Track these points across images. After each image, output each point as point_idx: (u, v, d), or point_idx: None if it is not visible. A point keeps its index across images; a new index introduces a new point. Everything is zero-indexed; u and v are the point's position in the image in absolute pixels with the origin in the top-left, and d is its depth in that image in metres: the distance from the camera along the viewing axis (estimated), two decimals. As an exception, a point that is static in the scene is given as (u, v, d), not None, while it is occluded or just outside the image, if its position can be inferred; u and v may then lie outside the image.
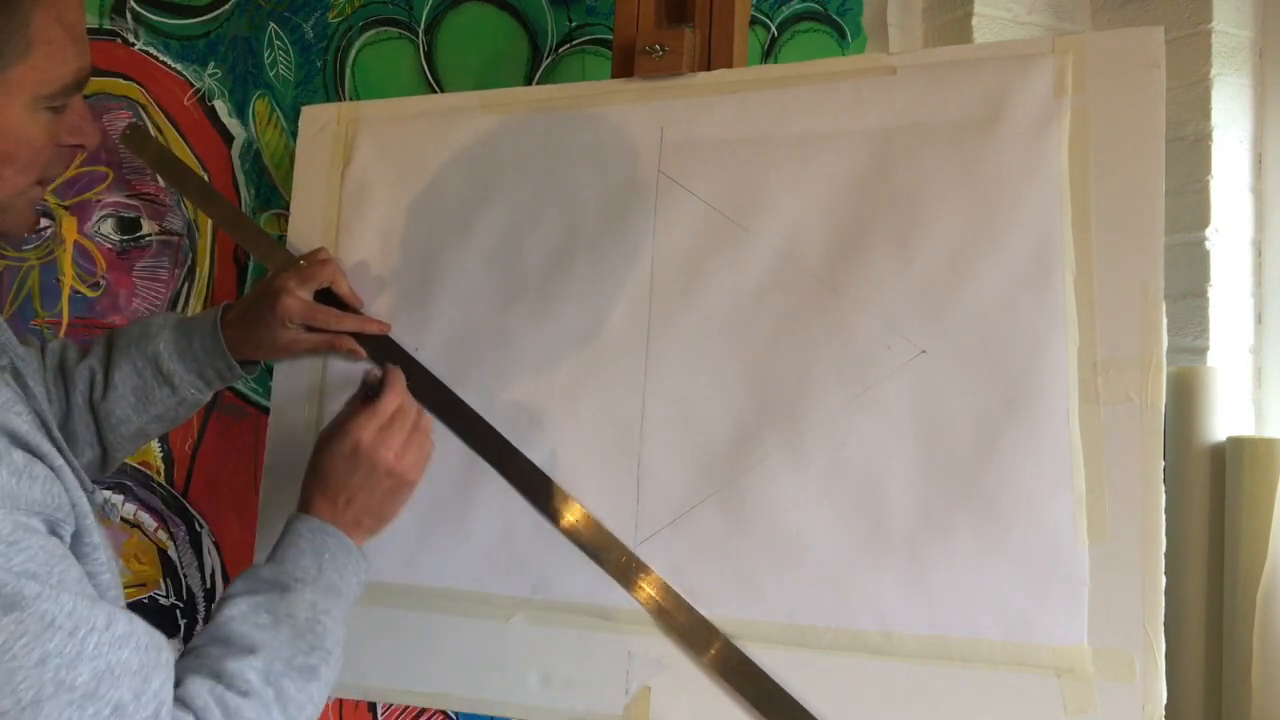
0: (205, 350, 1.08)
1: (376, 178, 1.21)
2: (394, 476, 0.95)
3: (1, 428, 0.73)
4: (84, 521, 0.78)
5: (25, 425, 0.76)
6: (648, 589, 1.03)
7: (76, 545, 0.77)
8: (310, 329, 1.11)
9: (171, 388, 1.07)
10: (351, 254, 1.21)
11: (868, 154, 1.03)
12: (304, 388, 1.19)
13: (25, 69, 0.74)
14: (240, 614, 0.82)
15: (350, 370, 1.18)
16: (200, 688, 0.76)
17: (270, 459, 1.20)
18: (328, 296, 1.13)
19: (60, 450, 0.80)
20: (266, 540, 1.18)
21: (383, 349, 1.15)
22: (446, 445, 1.13)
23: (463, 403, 1.12)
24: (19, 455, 0.73)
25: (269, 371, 1.25)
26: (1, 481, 0.70)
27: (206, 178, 1.42)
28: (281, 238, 1.27)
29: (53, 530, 0.74)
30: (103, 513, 0.85)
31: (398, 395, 0.97)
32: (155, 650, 0.73)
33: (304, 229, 1.23)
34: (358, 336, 1.14)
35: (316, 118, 1.26)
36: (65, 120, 0.80)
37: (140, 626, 0.73)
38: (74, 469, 0.80)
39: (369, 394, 0.98)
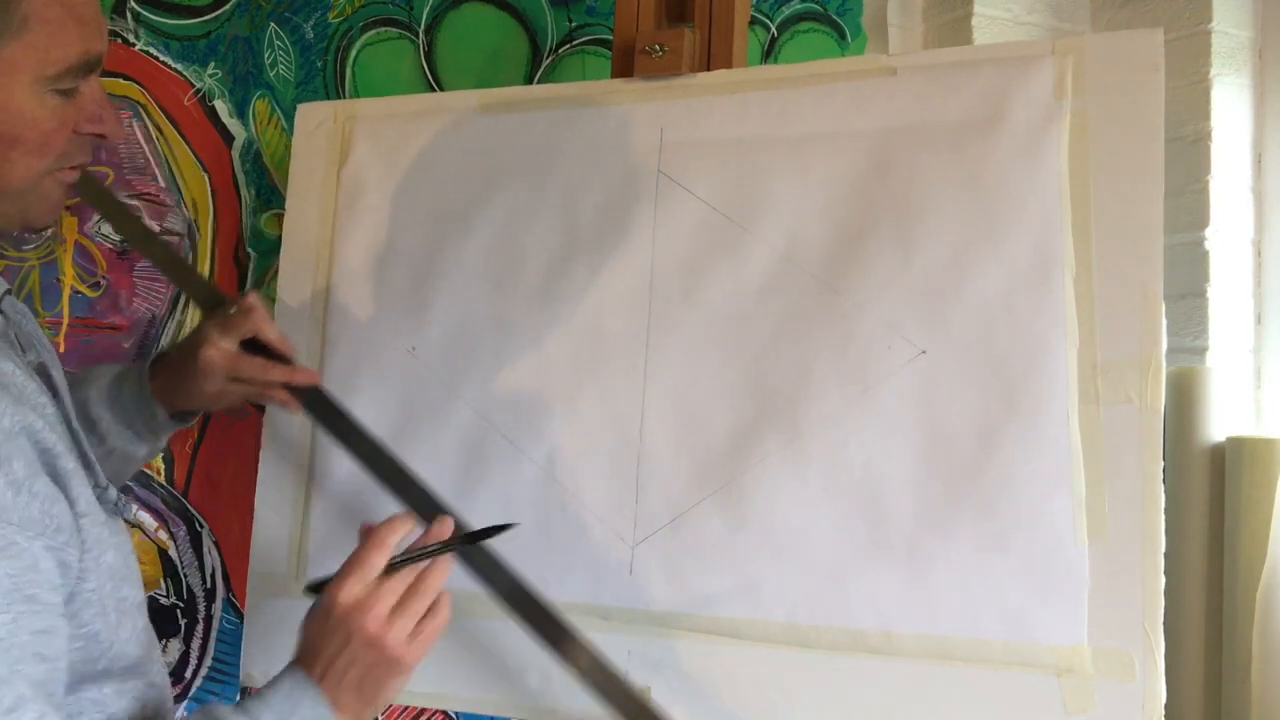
0: (132, 400, 1.02)
1: (373, 176, 1.21)
2: (378, 650, 0.79)
3: (22, 429, 0.72)
4: (84, 561, 0.76)
5: (44, 427, 0.74)
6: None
7: (76, 585, 0.75)
8: (237, 379, 1.02)
9: (98, 436, 1.01)
10: (347, 253, 1.21)
11: (867, 154, 1.03)
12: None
13: (21, 47, 0.74)
14: None
15: (350, 369, 1.18)
16: None
17: (266, 456, 1.20)
18: (259, 345, 1.04)
19: (79, 446, 0.80)
20: (264, 539, 1.19)
21: (314, 401, 1.05)
22: (443, 443, 1.13)
23: (383, 452, 1.02)
24: (20, 467, 0.71)
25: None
26: None
27: (206, 179, 1.43)
28: (279, 238, 1.27)
29: (58, 556, 0.72)
30: (115, 509, 0.84)
31: (381, 550, 0.81)
32: None
33: (300, 228, 1.23)
34: (289, 387, 1.05)
35: (313, 115, 1.26)
36: (81, 107, 0.80)
37: None
38: (89, 467, 0.79)
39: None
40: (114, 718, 0.78)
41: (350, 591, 0.79)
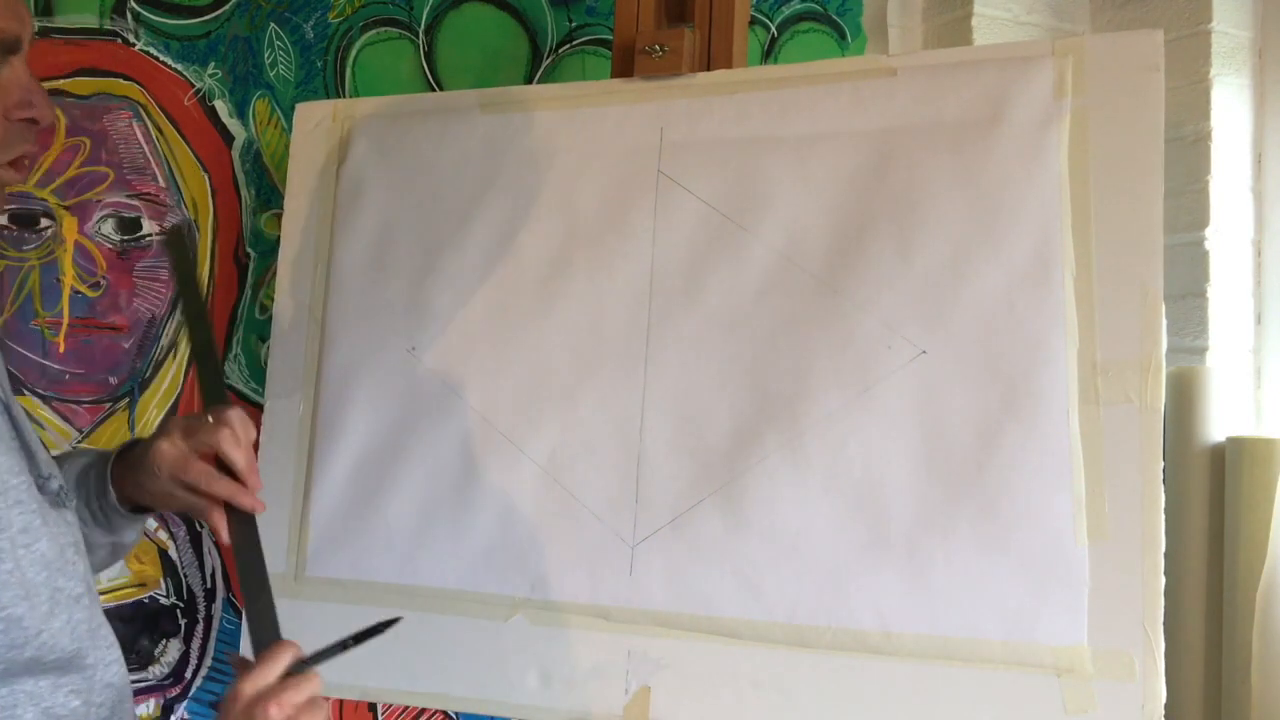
0: (95, 482, 0.95)
1: (372, 176, 1.21)
2: None
3: None
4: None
5: None
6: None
7: None
8: (185, 486, 0.92)
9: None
10: (347, 253, 1.21)
11: (868, 154, 1.03)
12: (297, 383, 1.20)
13: None
14: None
15: (350, 369, 1.18)
16: None
17: (266, 456, 1.20)
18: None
19: (18, 434, 0.79)
20: (263, 539, 1.18)
21: (242, 529, 0.93)
22: (443, 443, 1.13)
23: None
24: None
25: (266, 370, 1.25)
26: None
27: (206, 179, 1.42)
28: (279, 238, 1.27)
29: None
30: (58, 501, 0.83)
31: (290, 650, 0.84)
32: None
33: (298, 227, 1.23)
34: (228, 507, 0.93)
35: (312, 115, 1.26)
36: (6, 92, 0.77)
37: None
38: (30, 455, 0.79)
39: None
40: (51, 710, 0.77)
41: (250, 684, 0.81)
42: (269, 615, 0.92)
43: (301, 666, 0.84)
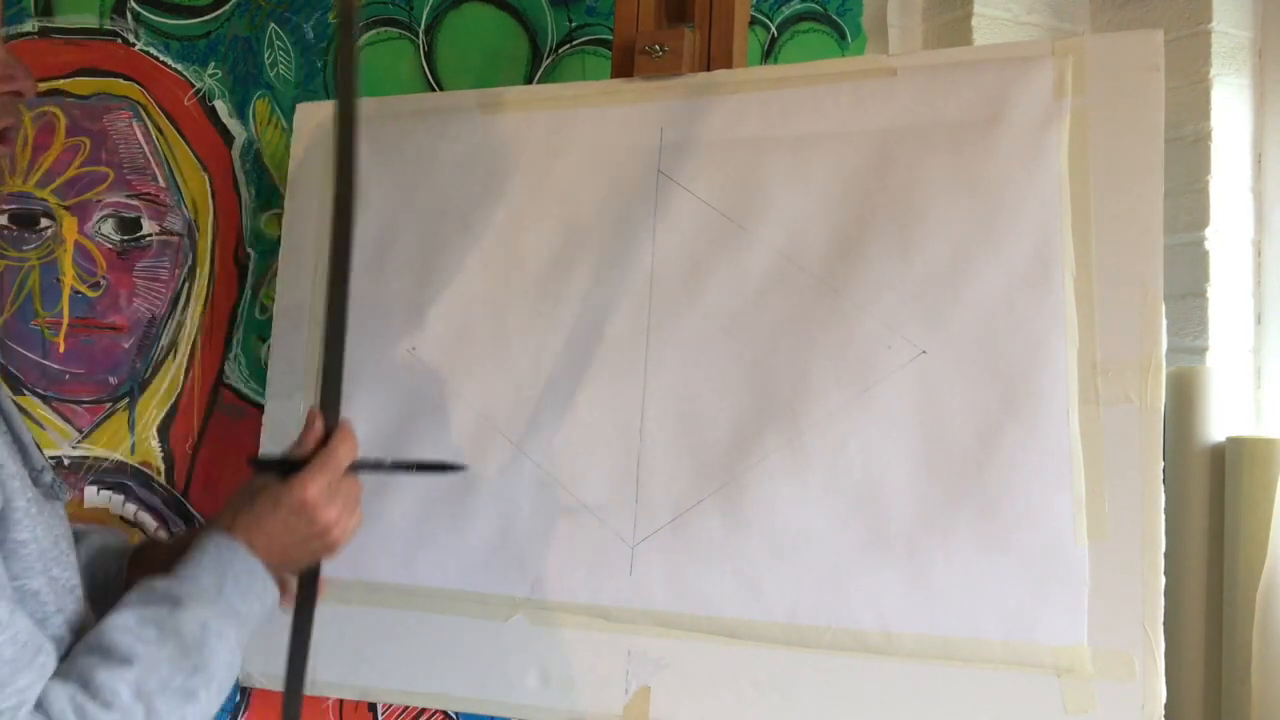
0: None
1: (372, 176, 1.21)
2: (325, 540, 0.86)
3: None
4: (12, 512, 0.75)
5: None
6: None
7: (2, 534, 0.74)
8: None
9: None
10: (351, 254, 1.20)
11: (868, 155, 1.03)
12: (297, 383, 1.20)
13: None
14: (124, 624, 0.76)
15: (350, 369, 1.18)
16: (60, 693, 0.71)
17: (264, 454, 1.20)
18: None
19: (9, 425, 0.79)
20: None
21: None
22: (443, 443, 1.13)
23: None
24: None
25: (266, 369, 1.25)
26: None
27: (206, 179, 1.43)
28: (279, 238, 1.27)
29: None
30: (52, 493, 0.83)
31: (351, 449, 0.88)
32: (32, 650, 0.70)
33: (299, 227, 1.23)
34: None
35: (312, 115, 1.26)
36: None
37: (22, 623, 0.70)
38: (23, 449, 0.79)
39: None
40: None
41: (318, 485, 0.84)
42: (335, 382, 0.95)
43: (355, 469, 0.88)
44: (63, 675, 0.73)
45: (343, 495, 0.86)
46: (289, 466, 0.86)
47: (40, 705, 0.70)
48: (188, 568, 0.82)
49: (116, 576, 0.97)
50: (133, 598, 0.80)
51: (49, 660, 0.72)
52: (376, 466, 0.91)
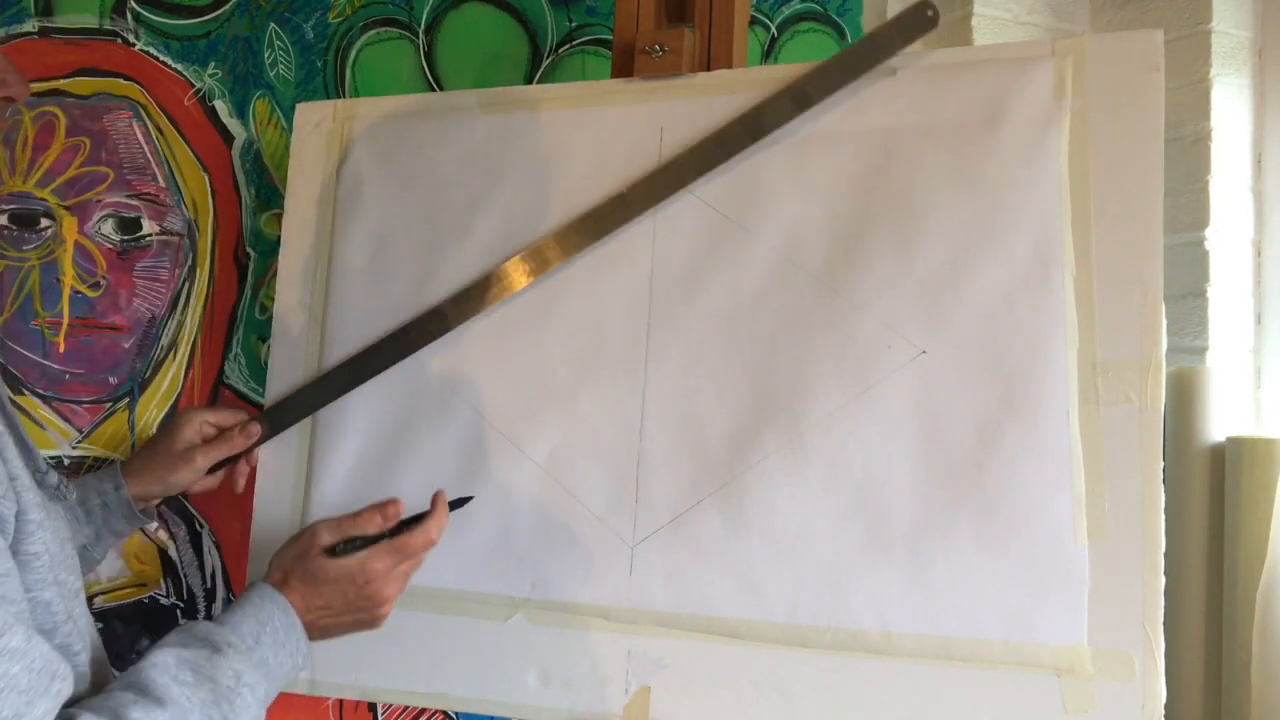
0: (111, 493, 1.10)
1: (373, 176, 1.21)
2: (372, 612, 0.93)
3: None
4: (26, 524, 0.75)
5: None
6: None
7: (15, 545, 0.75)
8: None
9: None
10: (347, 253, 1.20)
11: (868, 154, 1.03)
12: (298, 383, 1.19)
13: None
14: (163, 664, 0.78)
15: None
16: None
17: (266, 456, 1.20)
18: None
19: (13, 427, 0.79)
20: (264, 539, 1.19)
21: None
22: (443, 443, 1.13)
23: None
24: None
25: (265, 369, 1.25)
26: None
27: (206, 179, 1.43)
28: (279, 238, 1.27)
29: None
30: (56, 494, 0.83)
31: (432, 540, 0.95)
32: (48, 677, 0.70)
33: (299, 227, 1.23)
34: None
35: (312, 115, 1.25)
36: None
37: (39, 649, 0.70)
38: (28, 451, 0.79)
39: (398, 526, 0.95)
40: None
41: (385, 564, 0.92)
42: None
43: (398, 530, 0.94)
44: (96, 709, 0.73)
45: (404, 575, 0.93)
46: (372, 539, 0.93)
47: None
48: (232, 614, 0.86)
49: (116, 491, 1.08)
50: (173, 638, 0.82)
51: (65, 686, 0.72)
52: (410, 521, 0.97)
